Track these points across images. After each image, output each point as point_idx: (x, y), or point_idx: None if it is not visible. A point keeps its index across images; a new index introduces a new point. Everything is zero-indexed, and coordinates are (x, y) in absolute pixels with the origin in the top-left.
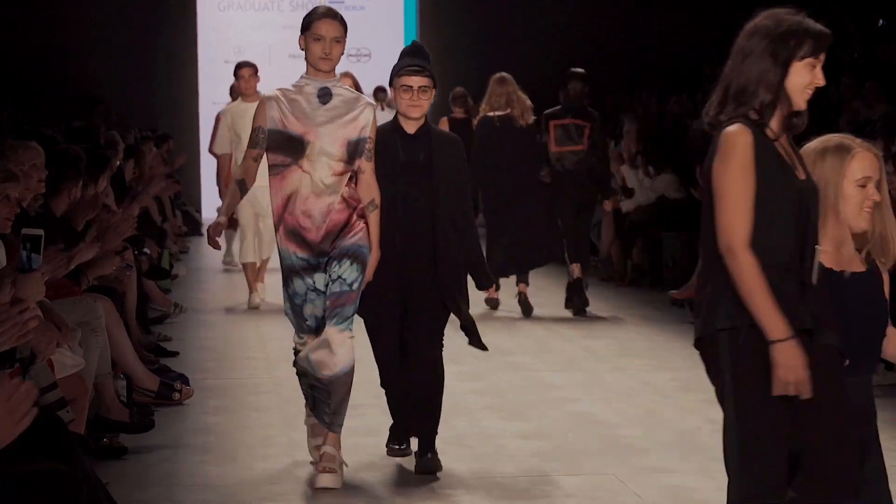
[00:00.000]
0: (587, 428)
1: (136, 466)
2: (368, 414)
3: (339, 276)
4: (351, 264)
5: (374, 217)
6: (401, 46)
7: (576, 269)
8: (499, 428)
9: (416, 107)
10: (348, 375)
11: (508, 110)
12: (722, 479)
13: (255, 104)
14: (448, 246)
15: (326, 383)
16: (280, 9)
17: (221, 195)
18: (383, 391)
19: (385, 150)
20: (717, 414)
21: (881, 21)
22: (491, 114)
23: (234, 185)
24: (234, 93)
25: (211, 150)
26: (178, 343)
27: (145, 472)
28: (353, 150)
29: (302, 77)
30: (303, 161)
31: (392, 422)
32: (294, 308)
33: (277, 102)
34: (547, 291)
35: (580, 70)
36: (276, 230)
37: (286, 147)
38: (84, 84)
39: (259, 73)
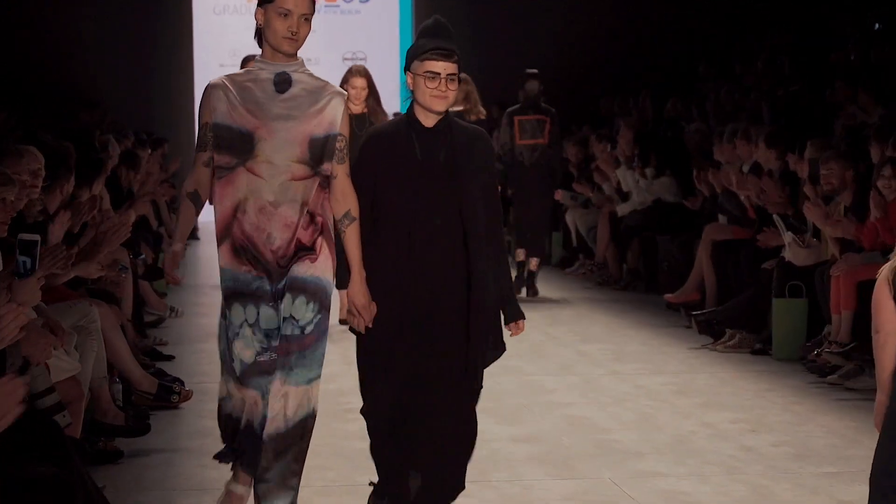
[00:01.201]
0: (582, 432)
1: (132, 470)
2: (363, 419)
3: (290, 315)
4: (307, 303)
5: (352, 232)
6: (396, 50)
7: (533, 263)
8: (494, 432)
9: (442, 98)
10: (299, 428)
11: (463, 106)
12: (716, 483)
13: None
14: (484, 282)
15: (267, 440)
16: None
17: None
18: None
19: (398, 149)
20: (712, 418)
21: (877, 25)
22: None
23: (186, 201)
24: None
25: None
26: (174, 347)
27: (141, 475)
28: (320, 150)
29: (256, 60)
30: (251, 162)
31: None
32: (227, 342)
33: (224, 91)
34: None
35: (535, 70)
36: (219, 245)
37: (232, 145)
38: (80, 87)
39: None
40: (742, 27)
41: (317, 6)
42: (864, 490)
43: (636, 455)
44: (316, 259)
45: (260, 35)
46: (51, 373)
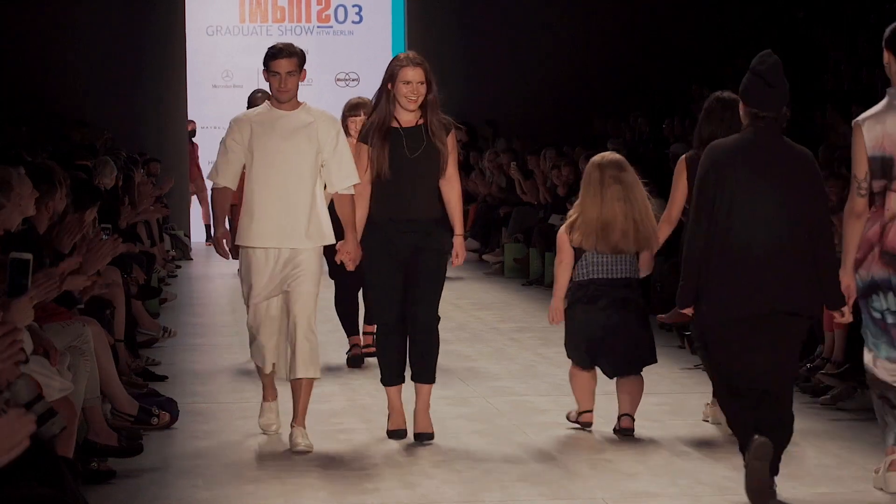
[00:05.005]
0: (575, 452)
1: (124, 491)
2: (355, 438)
3: None
4: None
5: None
6: None
7: None
8: (487, 452)
9: None
10: None
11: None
12: (709, 503)
13: (292, 114)
14: None
15: None
16: (268, 33)
17: (217, 232)
18: (370, 415)
19: None
20: (706, 438)
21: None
22: None
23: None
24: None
25: (210, 177)
26: (167, 367)
27: (134, 496)
28: None
29: None
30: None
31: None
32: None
33: None
34: (514, 307)
35: None
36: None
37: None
38: (72, 107)
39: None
40: (734, 49)
41: (309, 27)
42: None
43: (630, 475)
44: None
45: None
46: (43, 393)
